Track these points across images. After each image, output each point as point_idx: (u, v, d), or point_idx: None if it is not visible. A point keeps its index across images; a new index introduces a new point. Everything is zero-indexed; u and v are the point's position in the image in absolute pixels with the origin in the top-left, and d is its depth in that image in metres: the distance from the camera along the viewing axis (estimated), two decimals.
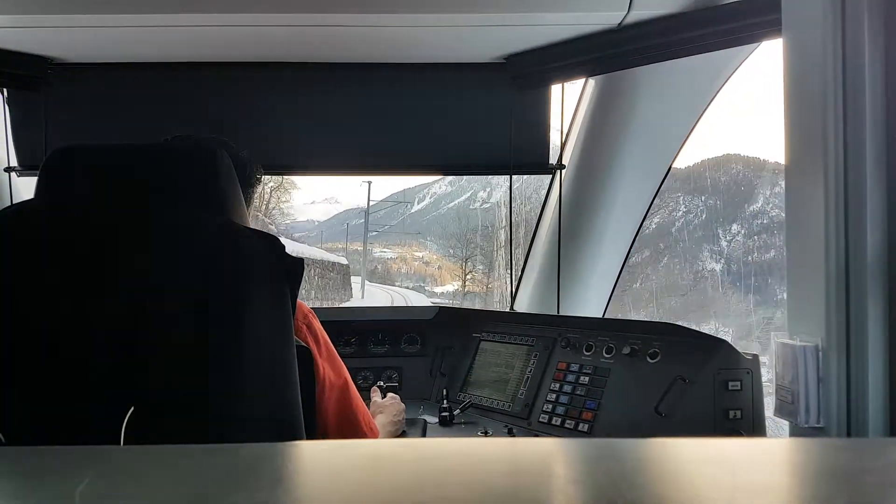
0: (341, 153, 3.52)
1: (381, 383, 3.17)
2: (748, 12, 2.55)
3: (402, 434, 2.68)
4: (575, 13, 2.78)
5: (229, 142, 2.14)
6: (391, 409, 2.70)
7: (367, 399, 2.80)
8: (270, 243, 1.62)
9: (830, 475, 0.88)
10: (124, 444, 1.44)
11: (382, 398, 2.84)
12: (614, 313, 3.86)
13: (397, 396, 2.84)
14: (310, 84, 3.42)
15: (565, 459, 0.94)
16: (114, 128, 3.41)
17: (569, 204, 3.52)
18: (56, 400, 1.50)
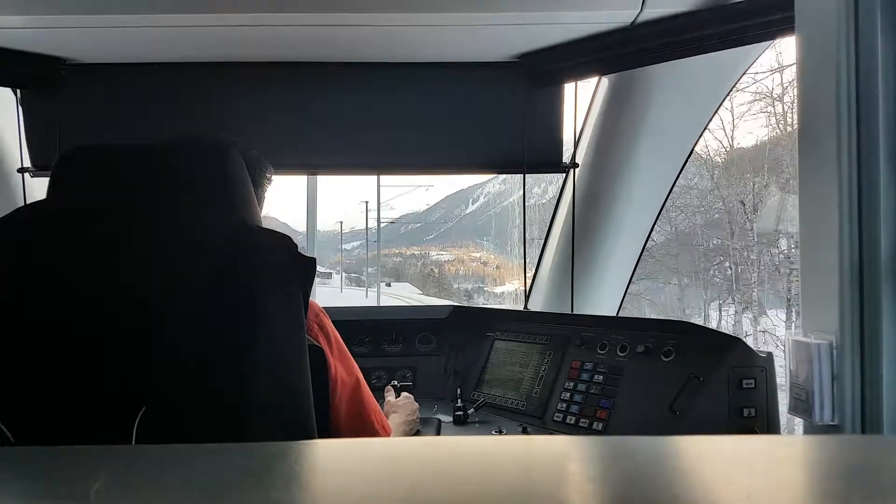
0: (355, 153, 3.53)
1: (396, 382, 3.17)
2: (761, 10, 2.54)
3: (417, 433, 2.68)
4: (588, 12, 2.78)
5: (238, 141, 2.14)
6: (405, 409, 2.71)
7: (380, 398, 2.80)
8: (283, 242, 1.62)
9: (845, 472, 0.88)
10: (136, 443, 1.44)
11: (396, 397, 2.84)
12: None
13: (411, 396, 2.84)
14: (323, 84, 3.42)
15: (580, 458, 0.94)
16: (127, 128, 3.42)
17: (582, 203, 3.51)
18: (67, 400, 1.51)
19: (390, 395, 2.89)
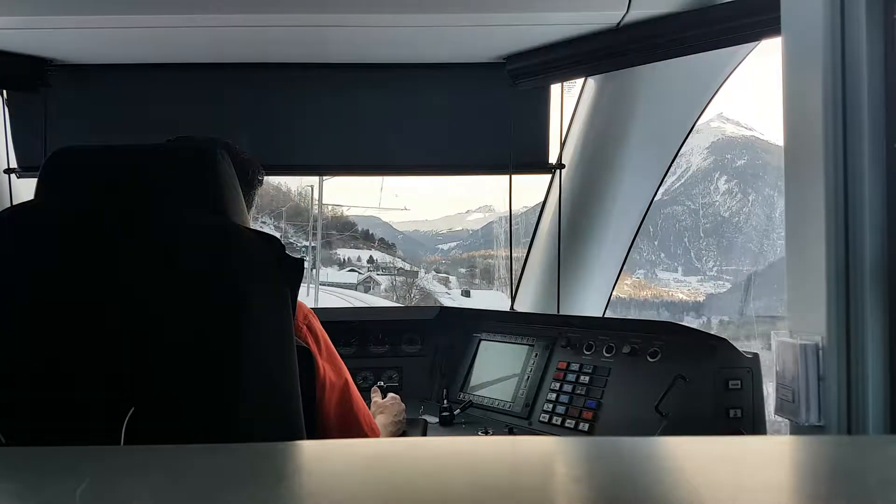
0: (341, 153, 3.53)
1: (382, 383, 3.16)
2: (747, 11, 2.54)
3: (403, 434, 2.68)
4: (574, 13, 2.78)
5: (231, 143, 2.14)
6: (392, 410, 2.70)
7: (367, 399, 2.80)
8: (270, 243, 1.62)
9: (831, 472, 0.88)
10: (124, 444, 1.44)
11: (383, 398, 2.83)
12: None
13: (398, 396, 2.84)
14: (310, 85, 3.42)
15: (566, 458, 0.94)
16: (114, 129, 3.42)
17: (568, 204, 3.52)
18: (56, 401, 1.50)
19: (377, 396, 2.88)
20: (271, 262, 1.61)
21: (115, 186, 1.65)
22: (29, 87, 3.28)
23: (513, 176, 3.55)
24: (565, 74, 3.23)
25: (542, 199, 3.72)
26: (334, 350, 2.03)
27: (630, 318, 4.28)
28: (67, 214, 1.60)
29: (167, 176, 1.66)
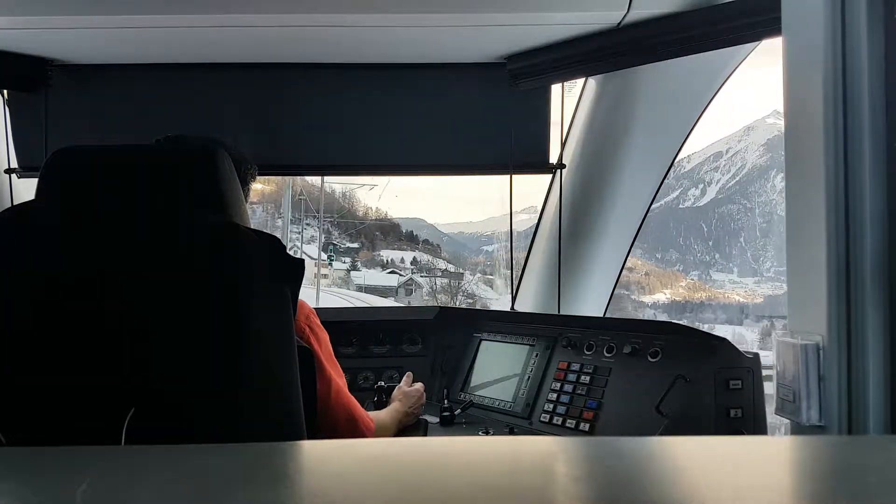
0: (340, 153, 3.53)
1: (397, 375, 3.17)
2: (748, 11, 2.55)
3: (403, 434, 2.68)
4: (575, 13, 2.78)
5: (225, 141, 2.15)
6: (408, 401, 2.73)
7: (364, 400, 2.80)
8: (271, 243, 1.62)
9: (832, 473, 0.88)
10: (125, 444, 1.44)
11: (409, 387, 2.85)
12: None
13: (422, 389, 2.86)
14: (310, 84, 3.42)
15: (567, 458, 0.94)
16: (114, 129, 3.42)
17: (569, 204, 3.52)
18: (56, 401, 1.50)
19: (406, 381, 2.90)
20: (272, 261, 1.61)
21: (115, 186, 1.65)
22: (29, 87, 3.28)
23: (514, 176, 3.55)
24: (565, 74, 3.23)
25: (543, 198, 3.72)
26: (331, 350, 2.04)
27: (631, 318, 4.29)
28: (68, 214, 1.60)
29: (168, 176, 1.67)
